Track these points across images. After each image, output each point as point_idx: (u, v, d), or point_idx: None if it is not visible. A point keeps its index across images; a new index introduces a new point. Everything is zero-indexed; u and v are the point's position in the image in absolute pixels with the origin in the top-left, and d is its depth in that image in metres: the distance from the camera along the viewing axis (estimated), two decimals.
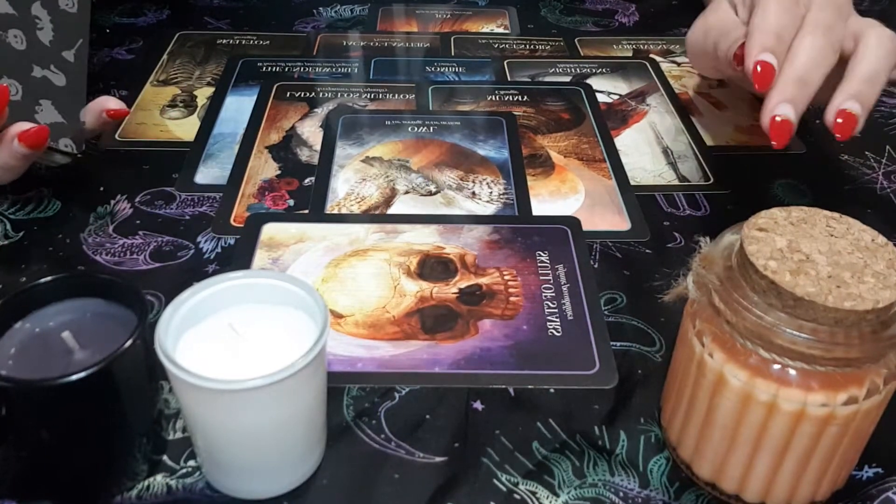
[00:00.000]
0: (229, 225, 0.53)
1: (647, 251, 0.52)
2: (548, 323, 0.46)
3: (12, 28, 0.50)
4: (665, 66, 0.76)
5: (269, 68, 0.72)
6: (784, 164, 0.62)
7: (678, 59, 0.78)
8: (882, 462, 0.39)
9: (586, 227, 0.54)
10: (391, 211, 0.55)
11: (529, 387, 0.42)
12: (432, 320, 0.46)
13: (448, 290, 0.48)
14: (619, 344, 0.45)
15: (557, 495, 0.37)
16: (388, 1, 0.87)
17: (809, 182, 0.60)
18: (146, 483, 0.37)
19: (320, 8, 0.85)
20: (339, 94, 0.69)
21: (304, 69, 0.73)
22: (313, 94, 0.69)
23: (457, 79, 0.73)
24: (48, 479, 0.36)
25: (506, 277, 0.49)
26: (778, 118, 0.45)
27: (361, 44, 0.78)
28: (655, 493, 0.37)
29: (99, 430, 0.35)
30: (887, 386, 0.33)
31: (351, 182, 0.58)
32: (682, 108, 0.69)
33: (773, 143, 0.46)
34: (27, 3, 0.51)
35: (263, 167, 0.59)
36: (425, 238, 0.52)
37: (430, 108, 0.68)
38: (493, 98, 0.69)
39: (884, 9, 0.91)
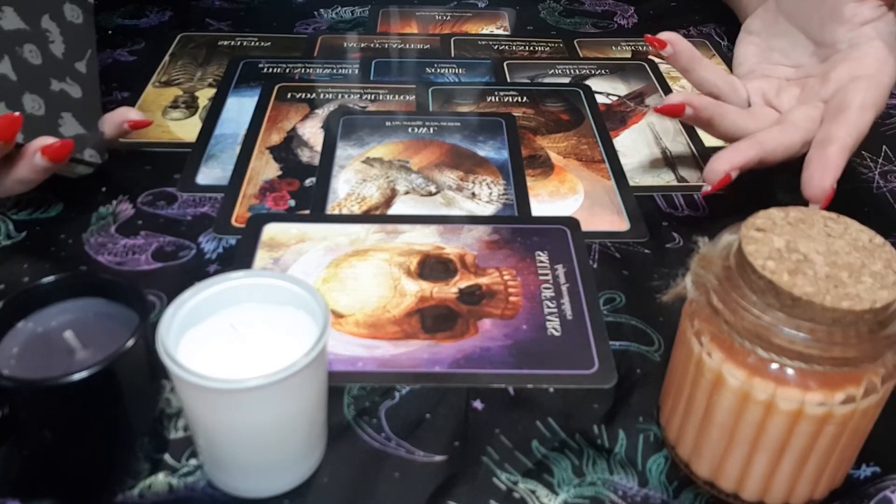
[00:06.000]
0: (230, 225, 0.53)
1: (646, 251, 0.53)
2: (547, 323, 0.46)
3: (27, 43, 0.50)
4: (664, 67, 0.76)
5: (271, 69, 0.73)
6: (782, 163, 0.63)
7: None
8: (879, 461, 0.39)
9: (585, 227, 0.54)
10: (391, 211, 0.55)
11: (529, 386, 0.43)
12: (432, 320, 0.46)
13: (448, 290, 0.48)
14: (618, 343, 0.45)
15: (557, 494, 0.37)
16: (389, 3, 0.87)
17: None
18: (148, 482, 0.37)
19: (321, 10, 0.85)
20: (339, 96, 0.69)
21: (305, 70, 0.73)
22: (314, 95, 0.69)
23: (456, 80, 0.73)
24: (50, 478, 0.36)
25: (505, 277, 0.49)
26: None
27: (362, 45, 0.79)
28: (654, 491, 0.38)
29: (101, 430, 0.35)
30: (885, 385, 0.33)
31: (351, 183, 0.58)
32: None
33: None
34: (37, 17, 0.51)
35: (264, 168, 0.59)
36: (425, 238, 0.53)
37: (430, 110, 0.68)
38: (493, 99, 0.70)
39: None
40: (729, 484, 0.37)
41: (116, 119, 0.54)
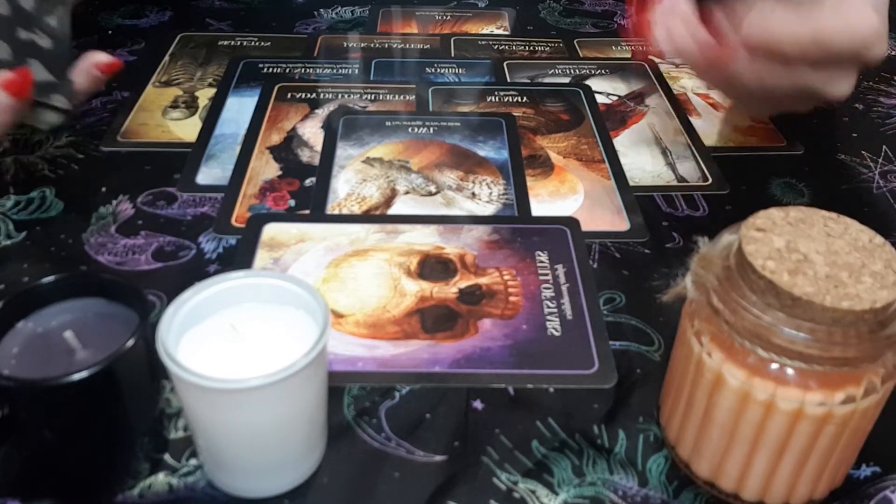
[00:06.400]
0: (230, 225, 0.53)
1: (646, 251, 0.53)
2: (547, 322, 0.46)
3: None
4: (664, 67, 0.76)
5: (271, 69, 0.73)
6: (782, 164, 0.63)
7: (676, 61, 0.78)
8: (879, 461, 0.39)
9: (585, 227, 0.54)
10: (391, 211, 0.55)
11: (529, 386, 0.43)
12: (432, 320, 0.46)
13: (448, 290, 0.48)
14: (618, 343, 0.45)
15: (557, 494, 0.37)
16: (389, 3, 0.87)
17: (807, 182, 0.60)
18: (148, 482, 0.37)
19: (321, 9, 0.85)
20: (339, 95, 0.69)
21: (305, 70, 0.73)
22: (314, 95, 0.69)
23: (456, 80, 0.73)
24: (50, 478, 0.36)
25: (505, 277, 0.49)
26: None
27: (362, 45, 0.79)
28: (654, 491, 0.38)
29: (101, 429, 0.35)
30: (885, 385, 0.33)
31: (351, 182, 0.58)
32: (681, 108, 0.69)
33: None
34: None
35: (264, 168, 0.59)
36: (425, 238, 0.53)
37: (431, 109, 0.68)
38: (493, 99, 0.70)
39: None
40: (729, 484, 0.37)
41: (85, 66, 0.53)
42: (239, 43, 0.78)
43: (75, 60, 0.54)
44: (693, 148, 0.64)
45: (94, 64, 0.53)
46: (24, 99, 0.48)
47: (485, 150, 0.62)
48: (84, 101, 0.55)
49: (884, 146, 0.65)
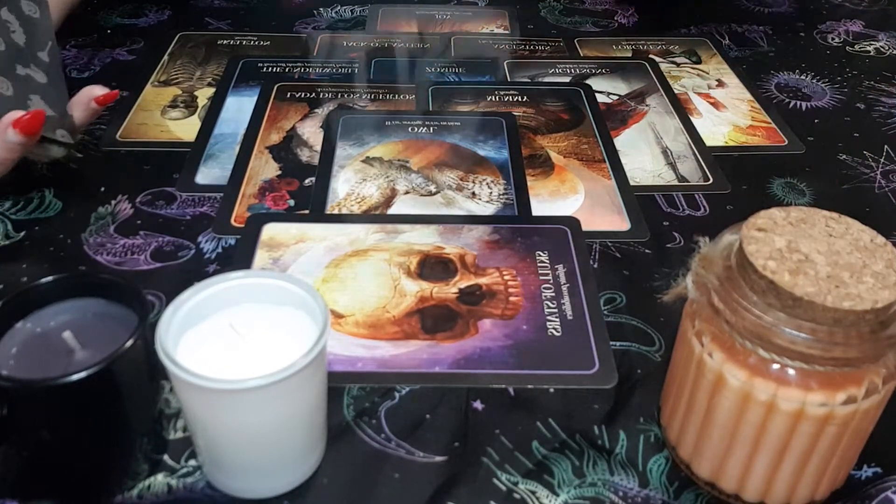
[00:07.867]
0: (230, 225, 0.53)
1: (647, 251, 0.53)
2: (547, 323, 0.46)
3: None
4: (664, 66, 0.76)
5: (270, 69, 0.73)
6: (783, 163, 0.63)
7: (677, 60, 0.78)
8: (881, 461, 0.39)
9: (586, 227, 0.54)
10: (391, 211, 0.55)
11: (529, 386, 0.42)
12: (432, 320, 0.46)
13: (448, 290, 0.48)
14: (618, 344, 0.45)
15: (557, 495, 0.37)
16: (388, 2, 0.87)
17: (808, 182, 0.60)
18: (147, 482, 0.37)
19: (321, 9, 0.85)
20: (339, 95, 0.69)
21: (305, 70, 0.73)
22: (314, 94, 0.69)
23: (457, 79, 0.73)
24: (49, 479, 0.36)
25: (505, 277, 0.49)
26: None
27: (362, 44, 0.78)
28: (655, 492, 0.38)
29: (100, 430, 0.35)
30: (886, 386, 0.33)
31: (351, 182, 0.58)
32: (682, 108, 0.69)
33: None
34: None
35: (264, 167, 0.59)
36: (425, 238, 0.52)
37: (430, 109, 0.68)
38: (493, 98, 0.69)
39: (884, 9, 0.91)
40: (730, 485, 0.37)
41: (83, 100, 0.53)
42: (238, 42, 0.78)
43: (69, 94, 0.54)
44: (694, 147, 0.64)
45: (91, 97, 0.53)
46: (34, 137, 0.49)
47: (485, 150, 0.62)
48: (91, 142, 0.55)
49: (885, 146, 0.65)
